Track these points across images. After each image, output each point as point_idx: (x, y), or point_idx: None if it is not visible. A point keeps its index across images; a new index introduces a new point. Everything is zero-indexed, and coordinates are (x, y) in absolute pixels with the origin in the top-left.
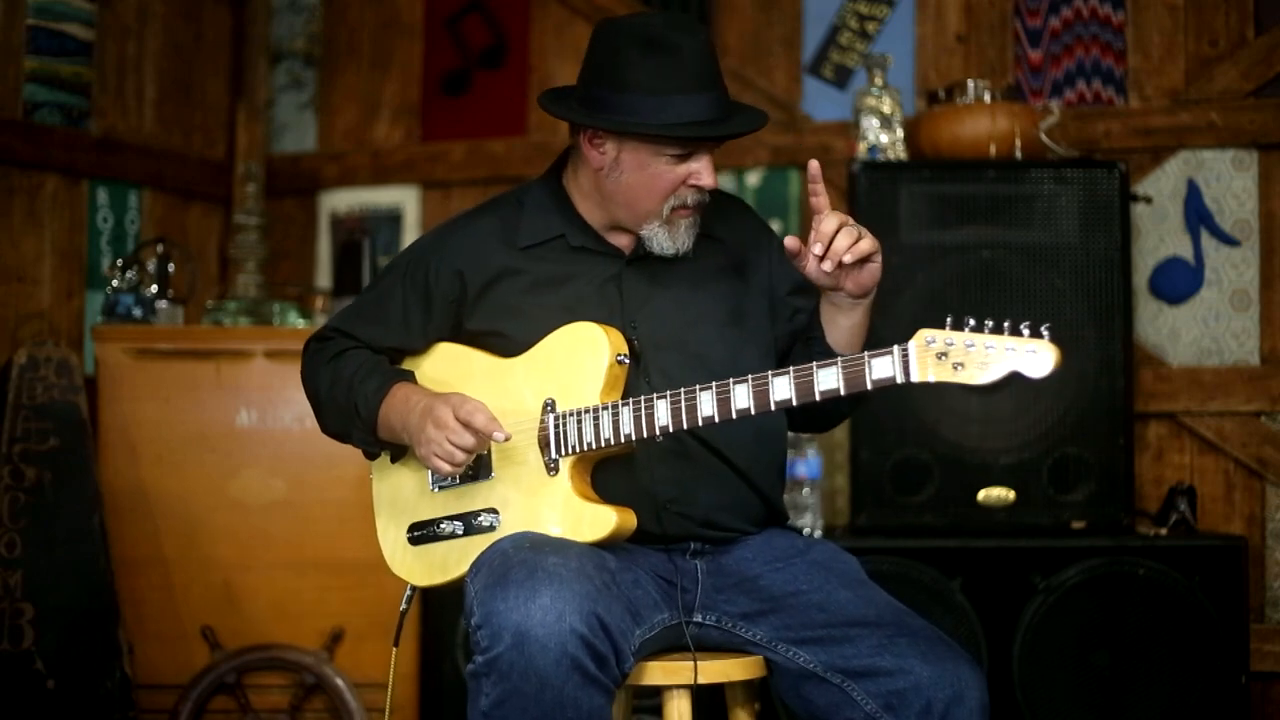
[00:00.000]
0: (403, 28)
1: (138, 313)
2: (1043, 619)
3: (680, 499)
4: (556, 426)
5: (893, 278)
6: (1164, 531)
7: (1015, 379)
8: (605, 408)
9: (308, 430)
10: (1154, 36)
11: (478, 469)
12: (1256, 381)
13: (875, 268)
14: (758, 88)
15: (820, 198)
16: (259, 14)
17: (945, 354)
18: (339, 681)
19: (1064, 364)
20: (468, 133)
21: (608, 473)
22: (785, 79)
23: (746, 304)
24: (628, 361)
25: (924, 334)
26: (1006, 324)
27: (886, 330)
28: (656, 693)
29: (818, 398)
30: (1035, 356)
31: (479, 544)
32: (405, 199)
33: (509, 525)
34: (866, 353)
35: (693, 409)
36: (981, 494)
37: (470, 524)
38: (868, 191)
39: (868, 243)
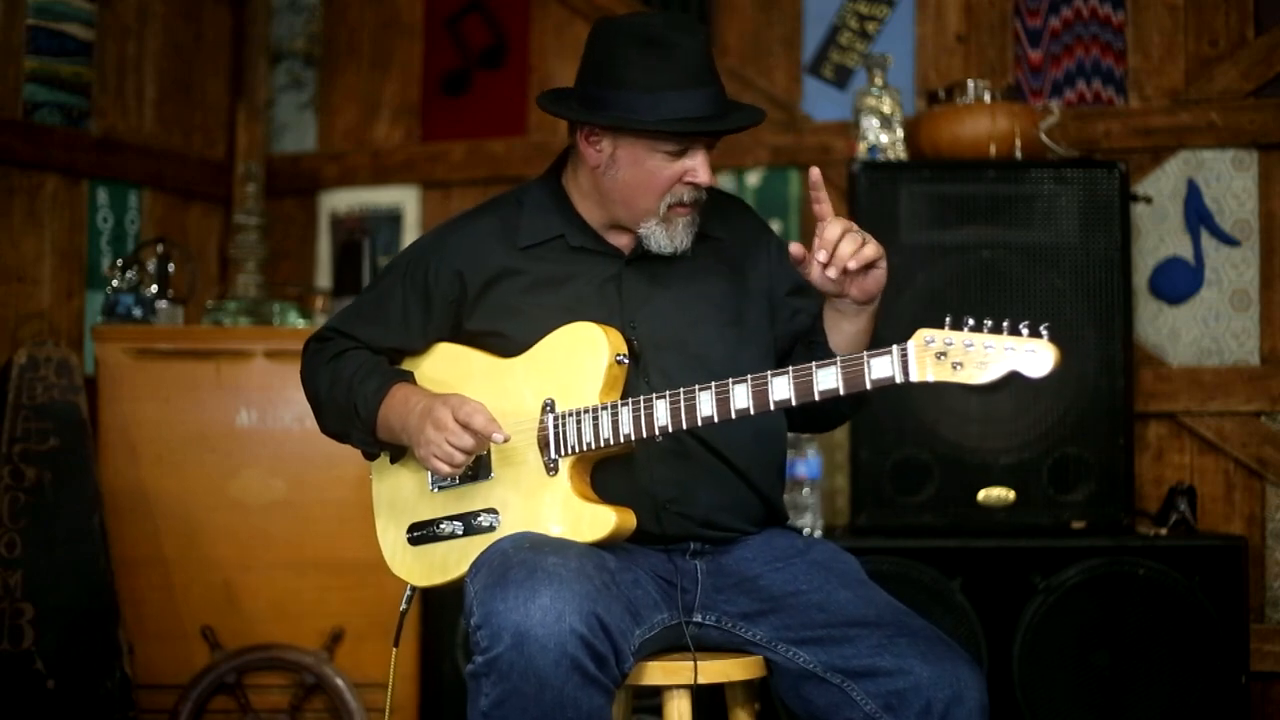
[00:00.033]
0: (403, 28)
1: (138, 313)
2: (1043, 619)
3: (680, 499)
4: (556, 427)
5: (893, 278)
6: (1164, 531)
7: (1015, 379)
8: (605, 408)
9: (308, 430)
10: (1154, 36)
11: (477, 469)
12: (1256, 381)
13: (880, 274)
14: (758, 88)
15: (823, 204)
16: (259, 14)
17: (944, 354)
18: (339, 681)
19: (1064, 364)
20: (468, 133)
21: (607, 473)
22: (785, 79)
23: (746, 304)
24: (627, 361)
25: (923, 333)
26: (1006, 323)
27: (886, 330)
28: (656, 693)
29: (817, 398)
30: (1034, 356)
31: (479, 544)
32: (405, 199)
33: (509, 525)
34: (865, 352)
35: (692, 409)
36: (981, 494)
37: (470, 524)
38: (868, 191)
39: (872, 248)
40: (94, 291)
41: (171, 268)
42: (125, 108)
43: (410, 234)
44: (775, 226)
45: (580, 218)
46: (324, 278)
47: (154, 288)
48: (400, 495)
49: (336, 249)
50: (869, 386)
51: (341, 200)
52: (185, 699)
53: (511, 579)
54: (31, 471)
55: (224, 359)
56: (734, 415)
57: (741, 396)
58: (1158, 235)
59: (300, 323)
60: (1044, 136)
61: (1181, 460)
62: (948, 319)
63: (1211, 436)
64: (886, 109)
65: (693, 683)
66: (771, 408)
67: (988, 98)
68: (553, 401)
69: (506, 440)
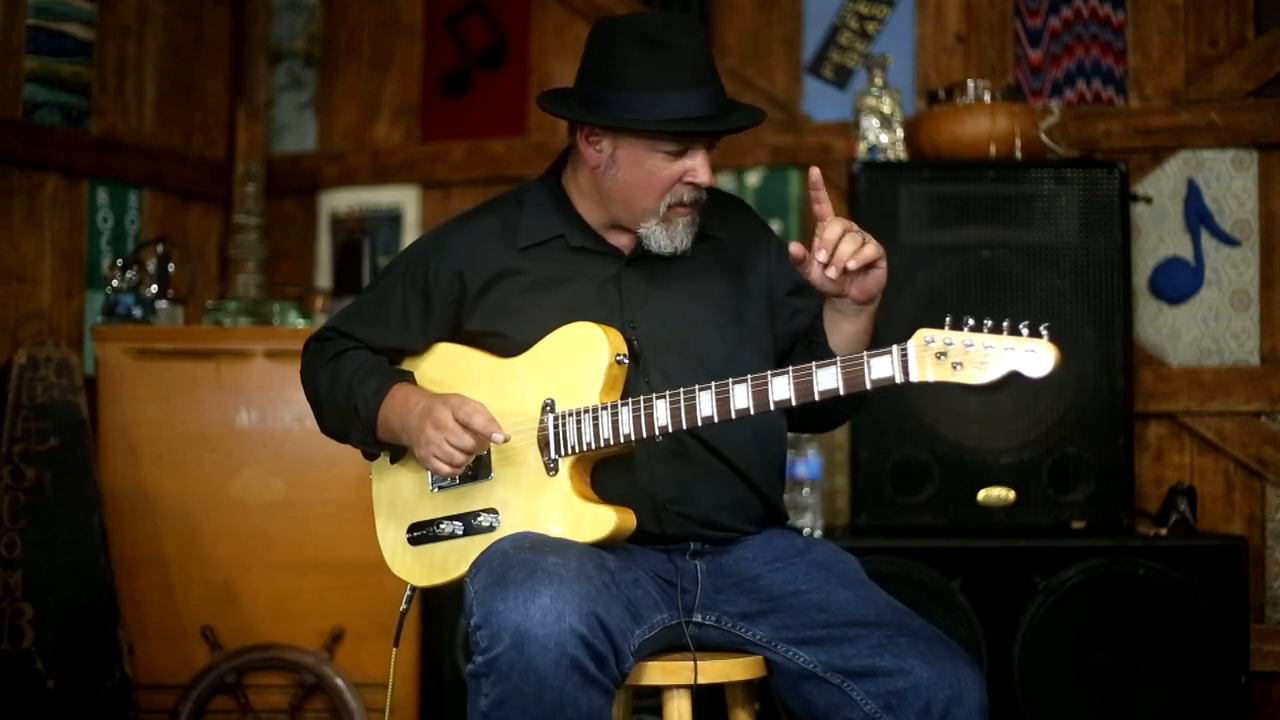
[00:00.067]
0: (403, 28)
1: (138, 313)
2: (1043, 619)
3: (680, 499)
4: (556, 427)
5: (893, 278)
6: (1164, 531)
7: (1014, 378)
8: (604, 408)
9: (308, 430)
10: (1154, 36)
11: (477, 469)
12: (1256, 381)
13: (880, 274)
14: (758, 88)
15: (823, 204)
16: (259, 14)
17: (944, 353)
18: (339, 681)
19: (1064, 364)
20: (468, 133)
21: (607, 473)
22: (785, 79)
23: (746, 304)
24: (627, 361)
25: (923, 333)
26: (1005, 323)
27: (886, 330)
28: (656, 693)
29: (817, 398)
30: (1034, 356)
31: (479, 544)
32: (405, 199)
33: (508, 525)
34: (865, 353)
35: (692, 409)
36: (981, 494)
37: (470, 524)
38: (868, 191)
39: (872, 248)
40: (94, 291)
41: (171, 268)
42: (125, 108)
43: (410, 234)
44: (775, 226)
45: (580, 218)
46: (324, 278)
47: (154, 288)
48: (400, 495)
49: (336, 249)
50: (869, 386)
51: (341, 200)
52: (185, 699)
53: (511, 579)
54: (31, 471)
55: (224, 359)
56: (734, 415)
57: (741, 396)
58: (1158, 235)
59: (300, 323)
60: (1044, 136)
61: (1181, 460)
62: (948, 319)
63: (1211, 436)
64: (886, 109)
65: (693, 683)
66: (771, 408)
67: (988, 98)
68: (553, 401)
69: (506, 440)
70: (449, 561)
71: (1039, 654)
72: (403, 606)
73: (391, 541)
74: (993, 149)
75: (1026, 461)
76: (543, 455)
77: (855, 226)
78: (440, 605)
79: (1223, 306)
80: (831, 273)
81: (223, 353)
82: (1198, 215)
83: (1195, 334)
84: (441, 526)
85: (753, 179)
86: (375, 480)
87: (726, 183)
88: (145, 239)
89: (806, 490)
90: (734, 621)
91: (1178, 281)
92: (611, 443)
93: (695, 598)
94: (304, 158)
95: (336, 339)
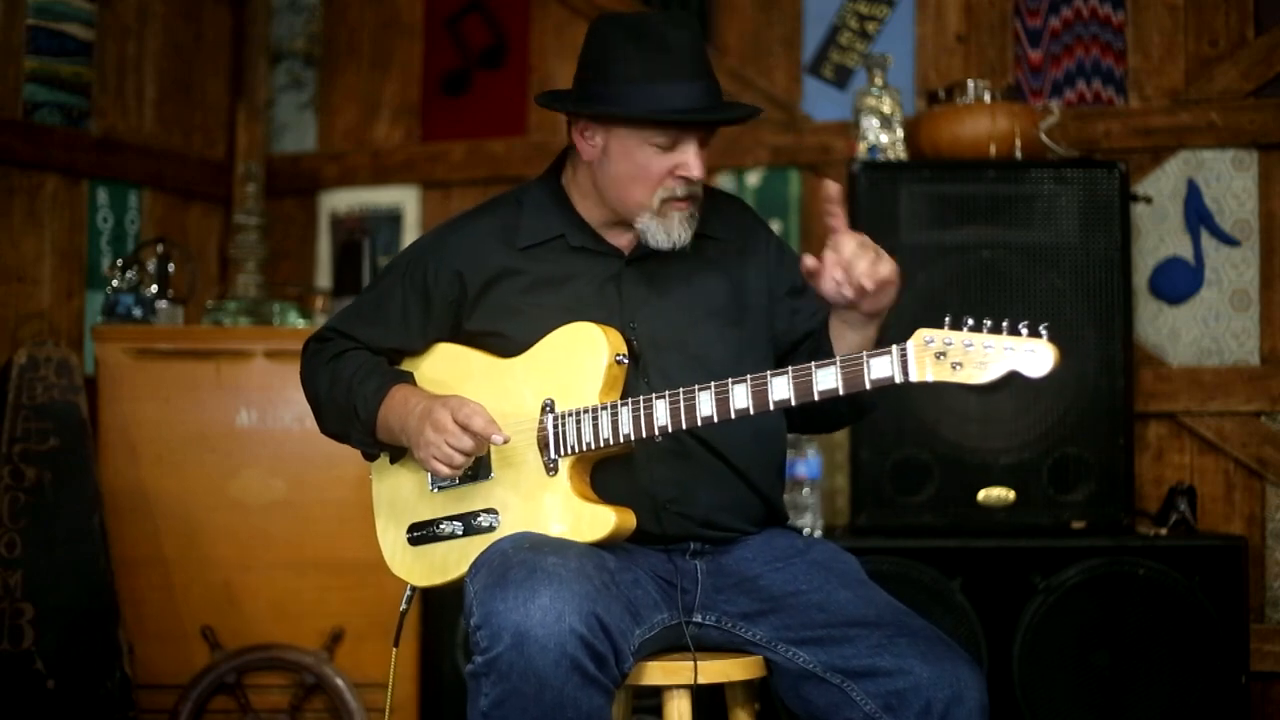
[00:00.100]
0: (403, 28)
1: (138, 313)
2: (1043, 619)
3: (680, 499)
4: (555, 427)
5: None
6: (1164, 531)
7: (1014, 379)
8: (604, 408)
9: (308, 430)
10: (1154, 36)
11: (477, 469)
12: (1256, 381)
13: (893, 290)
14: (758, 88)
15: (838, 219)
16: (259, 14)
17: (944, 353)
18: (339, 681)
19: (1064, 364)
20: (468, 133)
21: (607, 473)
22: (785, 79)
23: (745, 304)
24: (626, 361)
25: (922, 333)
26: (1005, 323)
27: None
28: (656, 693)
29: (816, 397)
30: (1034, 356)
31: (478, 544)
32: (405, 199)
33: (508, 525)
34: (865, 352)
35: (691, 409)
36: (981, 494)
37: (470, 524)
38: (868, 191)
39: (887, 267)
40: (94, 291)
41: (171, 268)
42: (125, 108)
43: (410, 234)
44: (775, 226)
45: (580, 217)
46: (324, 278)
47: (154, 288)
48: (400, 495)
49: (336, 249)
50: (868, 386)
51: (341, 200)
52: (185, 699)
53: (511, 579)
54: (31, 471)
55: (224, 359)
56: (733, 415)
57: (741, 396)
58: (1158, 235)
59: (300, 323)
60: (1044, 136)
61: (1181, 460)
62: (947, 319)
63: (1211, 436)
64: (886, 109)
65: (693, 683)
66: (771, 408)
67: (988, 98)
68: (552, 402)
69: (506, 442)
70: (449, 561)
71: (1039, 654)
72: (403, 606)
73: (391, 541)
74: (993, 149)
75: (1026, 461)
76: (542, 455)
77: (869, 241)
78: (440, 605)
79: (1223, 306)
80: (847, 291)
81: (223, 353)
82: (1198, 215)
83: (1195, 334)
84: (441, 527)
85: (753, 179)
86: (375, 480)
87: (726, 183)
88: (145, 239)
89: (806, 490)
90: (734, 621)
91: (1178, 281)
92: (611, 443)
93: (695, 598)
94: (304, 158)
95: (336, 339)
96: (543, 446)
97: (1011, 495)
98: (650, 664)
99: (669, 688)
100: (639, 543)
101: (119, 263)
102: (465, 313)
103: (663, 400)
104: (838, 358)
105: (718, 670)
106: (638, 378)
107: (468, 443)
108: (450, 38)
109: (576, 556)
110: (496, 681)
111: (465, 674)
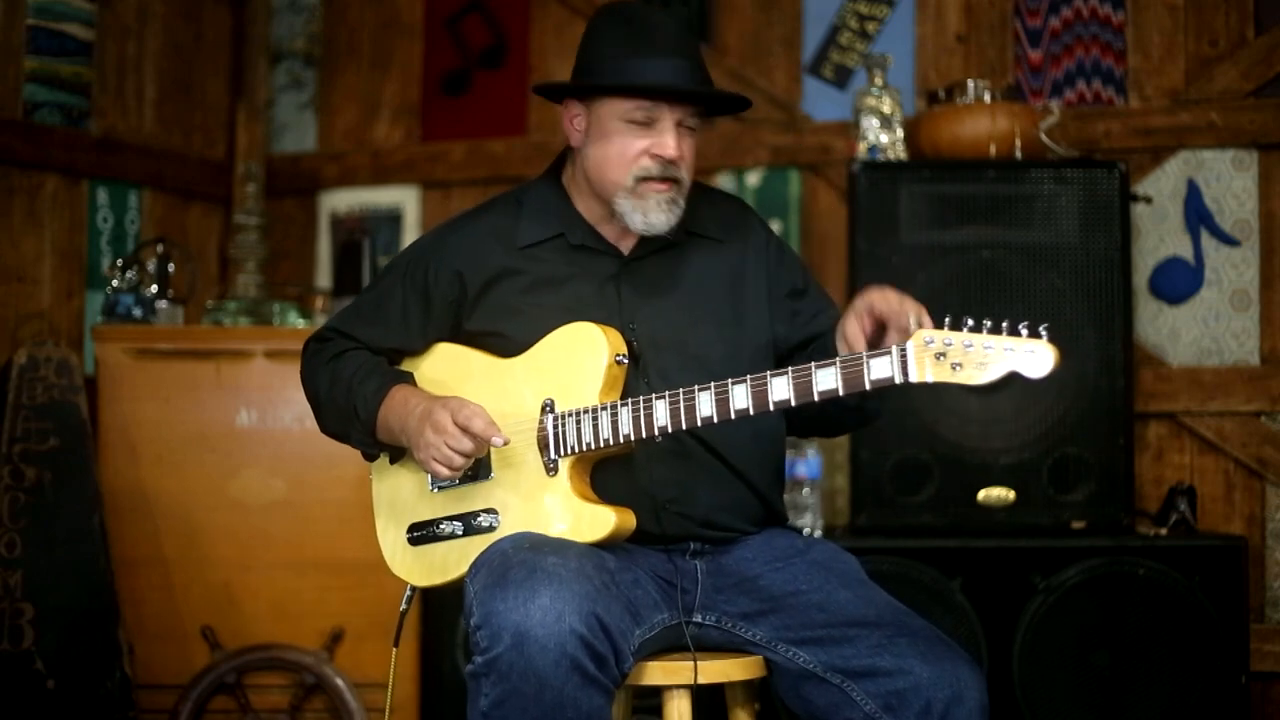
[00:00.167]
0: (403, 28)
1: (138, 313)
2: (1043, 619)
3: (679, 499)
4: (555, 427)
5: (893, 278)
6: (1164, 531)
7: (1014, 379)
8: (604, 408)
9: (308, 430)
10: (1154, 36)
11: (477, 470)
12: (1256, 381)
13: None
14: (758, 88)
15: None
16: (259, 14)
17: (944, 354)
18: (339, 681)
19: (1064, 364)
20: (468, 133)
21: (607, 473)
22: (785, 79)
23: (745, 305)
24: (626, 362)
25: (922, 334)
26: (1005, 324)
27: None
28: (656, 693)
29: (816, 398)
30: (1034, 356)
31: (478, 544)
32: (405, 199)
33: (508, 526)
34: (865, 353)
35: (691, 409)
36: (981, 494)
37: (470, 524)
38: (868, 191)
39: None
40: (94, 291)
41: (171, 268)
42: (125, 108)
43: (410, 234)
44: (775, 226)
45: (580, 216)
46: (324, 278)
47: (154, 288)
48: (400, 495)
49: (336, 249)
50: (868, 387)
51: (341, 200)
52: (185, 699)
53: (511, 579)
54: (31, 471)
55: (224, 359)
56: (733, 416)
57: (741, 397)
58: (1158, 235)
59: (300, 323)
60: (1044, 136)
61: (1181, 460)
62: (947, 319)
63: (1211, 436)
64: (886, 109)
65: (693, 683)
66: (771, 408)
67: (988, 98)
68: (552, 402)
69: (506, 443)
70: (449, 562)
71: (1039, 654)
72: (403, 606)
73: (391, 541)
74: (993, 149)
75: (1026, 461)
76: (542, 456)
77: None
78: (440, 605)
79: (1223, 306)
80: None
81: (223, 353)
82: (1198, 215)
83: (1195, 334)
84: (441, 527)
85: (753, 179)
86: (375, 480)
87: (726, 183)
88: (145, 239)
89: (806, 490)
90: (734, 621)
91: (1178, 281)
92: (611, 443)
93: (695, 598)
94: (304, 158)
95: (336, 339)
96: (543, 447)
97: (1011, 495)
98: (650, 664)
99: (669, 688)
100: (639, 543)
101: (119, 263)
102: (465, 313)
103: (662, 400)
104: (837, 358)
105: (718, 670)
106: (637, 378)
107: (467, 444)
108: (450, 38)
109: (576, 556)
110: (496, 681)
111: (465, 674)
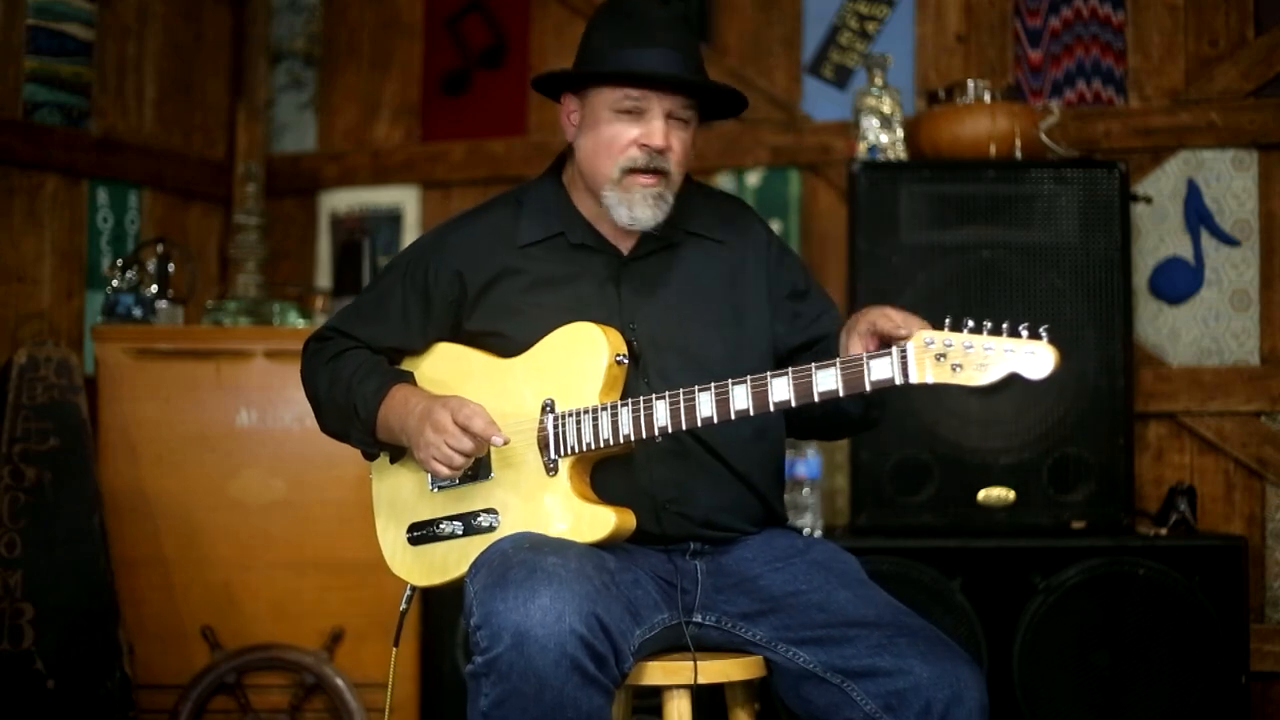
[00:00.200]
0: (403, 28)
1: (138, 313)
2: (1043, 619)
3: (679, 499)
4: (555, 427)
5: (893, 278)
6: (1164, 531)
7: (1015, 380)
8: (604, 408)
9: (308, 430)
10: (1154, 36)
11: (477, 469)
12: (1256, 381)
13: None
14: (758, 88)
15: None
16: (259, 14)
17: (944, 355)
18: (339, 681)
19: (1064, 364)
20: (468, 133)
21: (607, 473)
22: (785, 79)
23: (746, 305)
24: (626, 362)
25: (922, 335)
26: (1005, 325)
27: None
28: (656, 693)
29: (816, 399)
30: (1034, 357)
31: (478, 544)
32: (405, 199)
33: (508, 525)
34: (865, 354)
35: (691, 410)
36: (981, 494)
37: (470, 524)
38: (868, 191)
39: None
40: (94, 291)
41: (171, 268)
42: (125, 108)
43: (410, 234)
44: (775, 226)
45: (580, 215)
46: (324, 278)
47: (154, 288)
48: (400, 495)
49: (336, 249)
50: (868, 388)
51: (341, 200)
52: (185, 699)
53: (511, 579)
54: (31, 471)
55: (224, 359)
56: (733, 416)
57: (741, 397)
58: (1158, 235)
59: (300, 323)
60: (1044, 136)
61: (1181, 460)
62: (947, 320)
63: (1211, 436)
64: (886, 109)
65: (693, 683)
66: (771, 409)
67: (988, 98)
68: (552, 402)
69: (506, 443)
70: (449, 561)
71: (1039, 654)
72: (403, 606)
73: (391, 541)
74: (993, 149)
75: (1026, 461)
76: (542, 455)
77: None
78: (440, 605)
79: (1223, 306)
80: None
81: (223, 353)
82: (1198, 215)
83: (1195, 334)
84: (441, 526)
85: (753, 179)
86: (375, 480)
87: (726, 183)
88: (145, 239)
89: (806, 490)
90: (734, 621)
91: (1178, 281)
92: (611, 443)
93: (695, 598)
94: (304, 158)
95: (336, 338)
96: (543, 447)
97: (1011, 495)
98: (650, 664)
99: (669, 688)
100: (639, 543)
101: (119, 263)
102: (465, 312)
103: (663, 401)
104: (837, 359)
105: (718, 670)
106: (637, 378)
107: (467, 444)
108: (450, 38)
109: (576, 557)
110: (497, 681)
111: (465, 674)
